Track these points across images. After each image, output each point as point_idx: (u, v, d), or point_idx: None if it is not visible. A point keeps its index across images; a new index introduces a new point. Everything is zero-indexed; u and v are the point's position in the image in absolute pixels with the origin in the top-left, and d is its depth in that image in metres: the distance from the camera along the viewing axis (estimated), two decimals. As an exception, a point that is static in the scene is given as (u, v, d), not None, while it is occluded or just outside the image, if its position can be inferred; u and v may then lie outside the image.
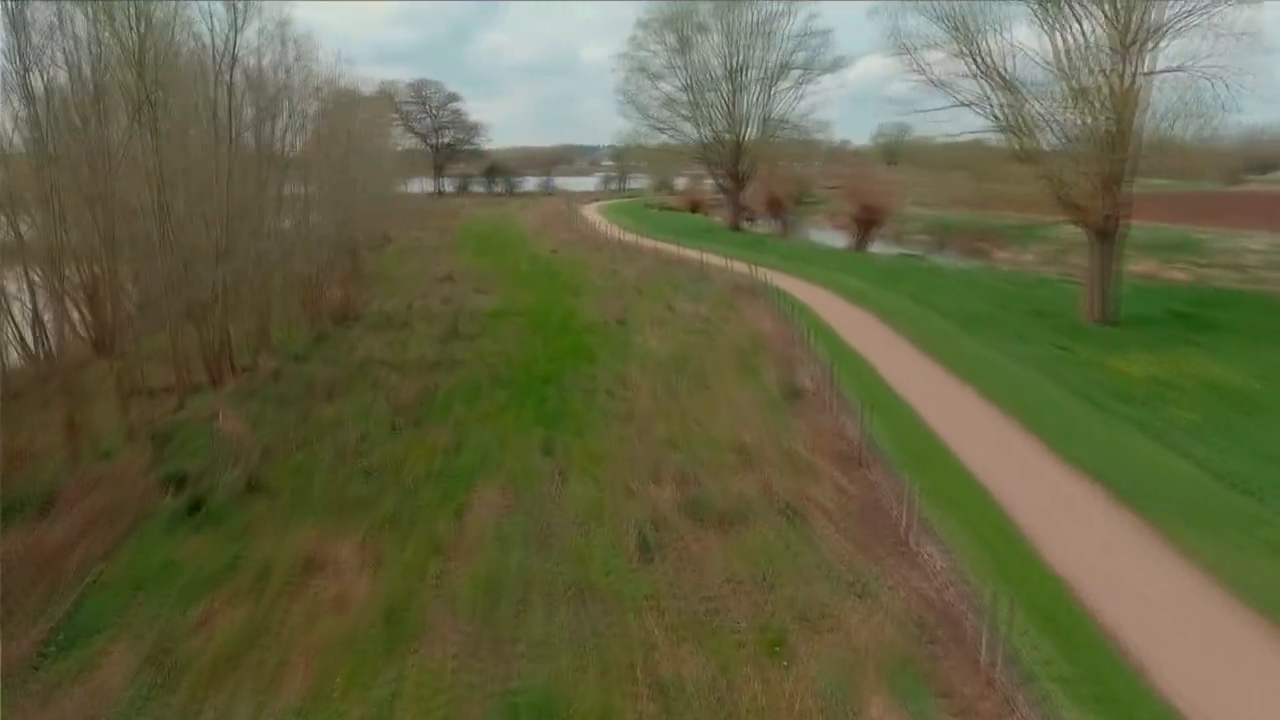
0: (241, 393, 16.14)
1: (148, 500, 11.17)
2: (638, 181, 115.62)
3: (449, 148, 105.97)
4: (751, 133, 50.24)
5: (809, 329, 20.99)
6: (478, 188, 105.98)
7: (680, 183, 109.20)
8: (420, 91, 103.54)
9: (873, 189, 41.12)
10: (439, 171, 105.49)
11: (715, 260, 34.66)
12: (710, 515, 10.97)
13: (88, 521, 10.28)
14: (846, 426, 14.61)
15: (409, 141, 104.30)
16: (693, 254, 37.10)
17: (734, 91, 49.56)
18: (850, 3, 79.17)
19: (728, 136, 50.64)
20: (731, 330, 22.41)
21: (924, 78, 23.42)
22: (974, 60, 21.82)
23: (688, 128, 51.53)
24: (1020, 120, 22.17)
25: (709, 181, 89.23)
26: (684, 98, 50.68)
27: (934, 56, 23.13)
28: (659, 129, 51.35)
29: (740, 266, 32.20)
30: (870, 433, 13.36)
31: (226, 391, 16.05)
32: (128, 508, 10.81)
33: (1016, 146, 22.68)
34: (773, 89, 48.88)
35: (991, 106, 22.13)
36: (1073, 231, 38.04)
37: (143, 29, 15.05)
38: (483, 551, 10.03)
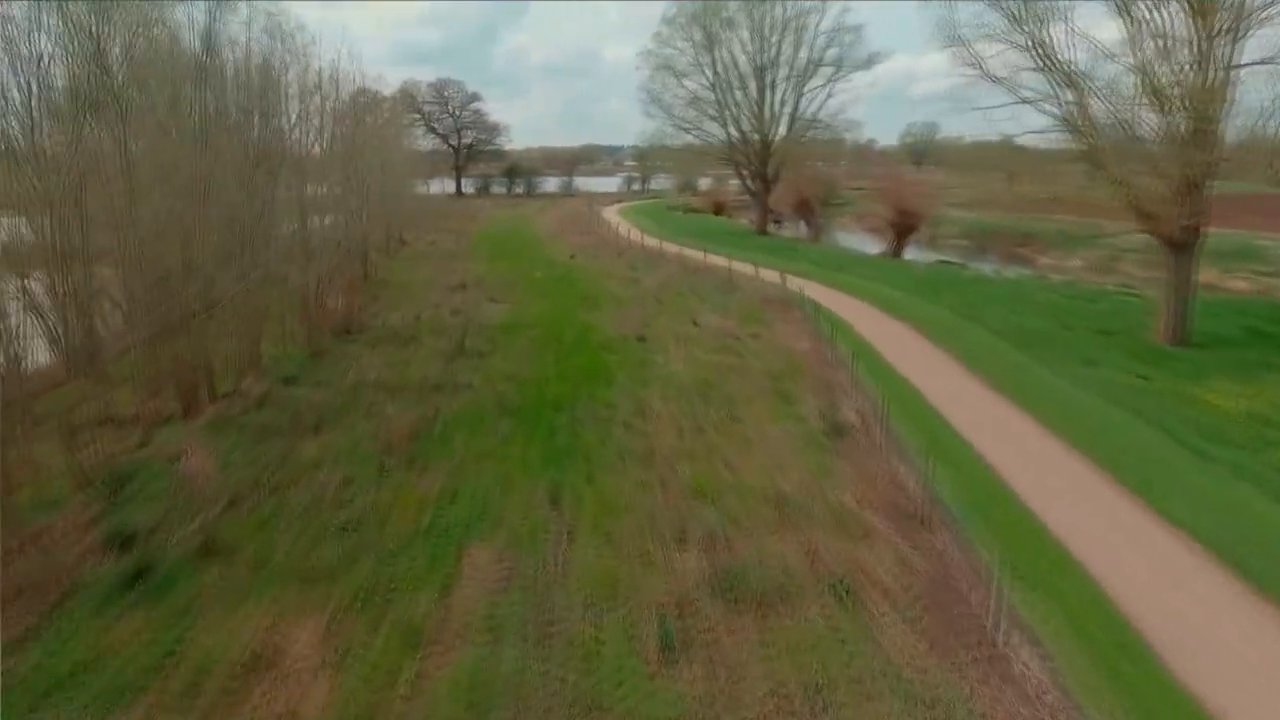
0: (218, 423, 14.52)
1: (85, 566, 9.53)
2: (660, 182, 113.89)
3: (470, 148, 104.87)
4: (780, 132, 48.17)
5: (850, 348, 19.01)
6: (498, 188, 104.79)
7: (703, 183, 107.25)
8: (441, 91, 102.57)
9: (908, 191, 38.84)
10: (459, 172, 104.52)
11: (743, 267, 32.71)
12: (746, 594, 9.09)
13: (6, 598, 8.64)
14: (900, 473, 12.63)
15: (430, 142, 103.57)
16: (719, 260, 35.18)
17: (762, 90, 47.48)
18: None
19: (755, 136, 48.57)
20: (763, 349, 20.47)
21: (978, 72, 21.28)
22: (1037, 52, 19.65)
23: (714, 127, 49.59)
24: (1087, 119, 19.95)
25: (733, 182, 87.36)
26: (710, 96, 48.72)
27: (990, 49, 21.01)
28: (684, 129, 49.45)
29: (770, 275, 30.22)
30: (932, 484, 11.37)
31: (200, 422, 14.44)
32: (59, 577, 9.17)
33: (1083, 147, 20.44)
34: (803, 87, 46.76)
35: (1058, 103, 19.93)
36: (1129, 238, 35.42)
37: (103, 24, 13.52)
38: (469, 644, 8.23)
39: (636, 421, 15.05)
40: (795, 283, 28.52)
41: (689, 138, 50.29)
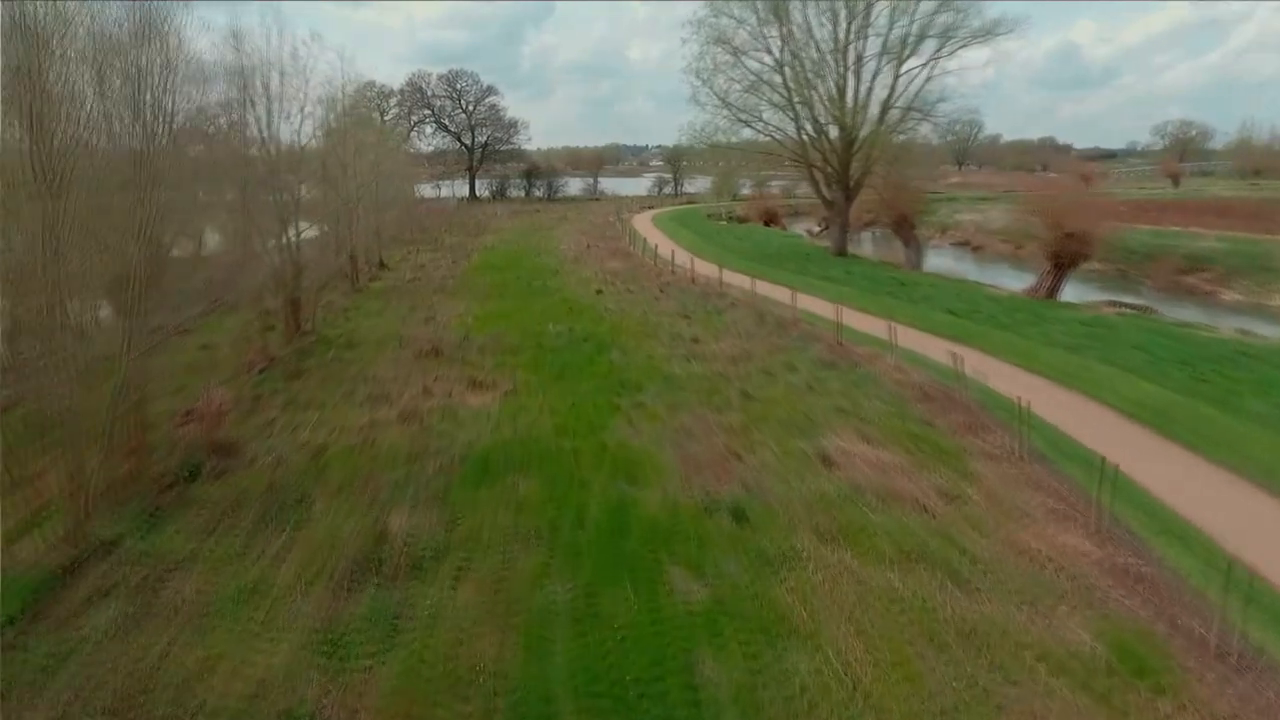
0: None
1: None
2: (695, 185, 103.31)
3: (485, 147, 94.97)
4: (867, 125, 37.26)
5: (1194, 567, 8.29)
6: (516, 191, 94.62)
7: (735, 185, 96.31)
8: (453, 84, 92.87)
9: (1075, 204, 27.76)
10: (473, 174, 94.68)
11: (854, 318, 22.07)
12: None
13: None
14: None
15: (441, 140, 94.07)
16: (813, 304, 24.57)
17: (844, 70, 36.65)
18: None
19: (834, 131, 37.77)
20: (1005, 565, 9.79)
21: None
22: None
23: (779, 119, 38.82)
24: None
25: (776, 183, 76.22)
26: (776, 79, 37.97)
27: None
28: (742, 121, 38.70)
29: (905, 335, 19.55)
30: None
31: None
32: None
33: None
34: (901, 66, 35.83)
35: None
36: None
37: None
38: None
39: None
40: (943, 346, 17.84)
41: (749, 133, 39.49)
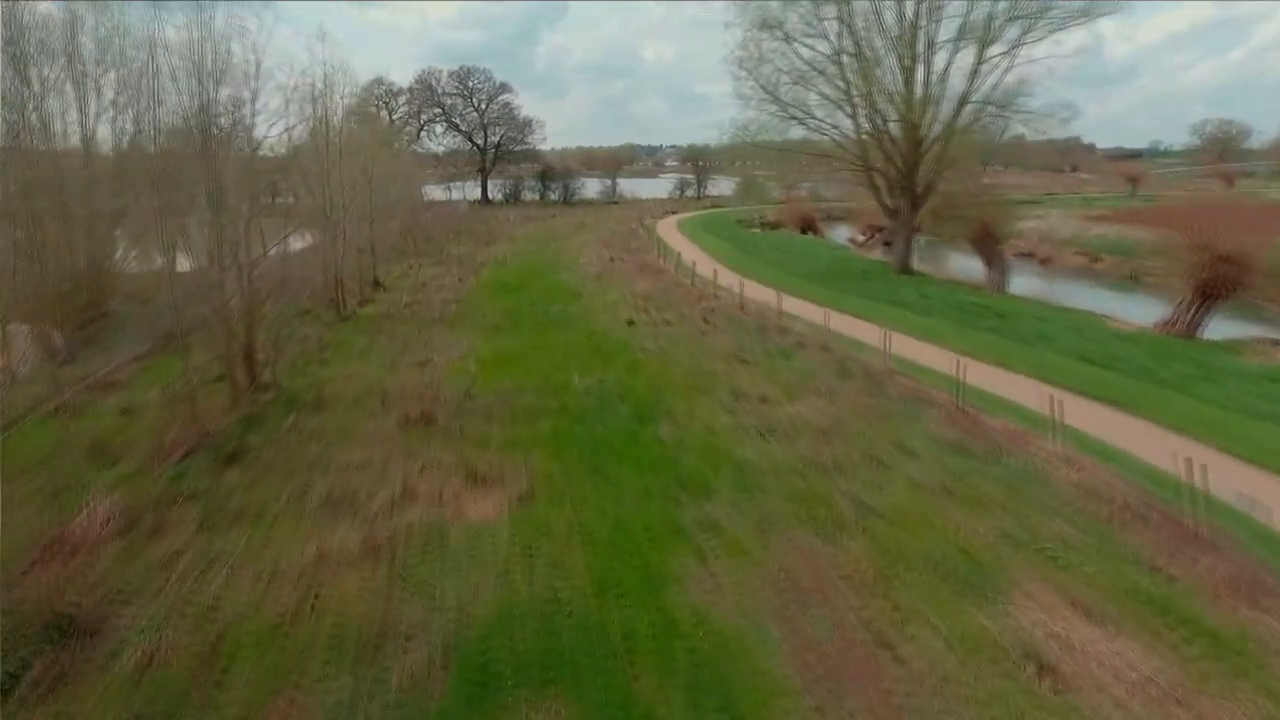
0: None
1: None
2: (715, 186, 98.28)
3: (498, 147, 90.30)
4: (938, 122, 32.12)
5: None
6: (530, 194, 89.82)
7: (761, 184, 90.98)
8: (465, 81, 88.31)
9: (1229, 220, 22.34)
10: (485, 175, 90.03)
11: (947, 359, 16.97)
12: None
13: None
14: None
15: (451, 139, 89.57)
16: (898, 341, 19.52)
17: (914, 59, 31.53)
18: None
19: (899, 128, 32.65)
20: None
21: None
22: None
23: (832, 116, 33.72)
24: None
25: (804, 186, 70.80)
26: (832, 69, 32.90)
27: None
28: (794, 118, 33.60)
29: (1038, 394, 14.45)
30: None
31: None
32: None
33: None
34: (984, 52, 30.62)
35: None
36: None
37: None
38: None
39: None
40: (1088, 412, 12.81)
41: (798, 131, 34.33)
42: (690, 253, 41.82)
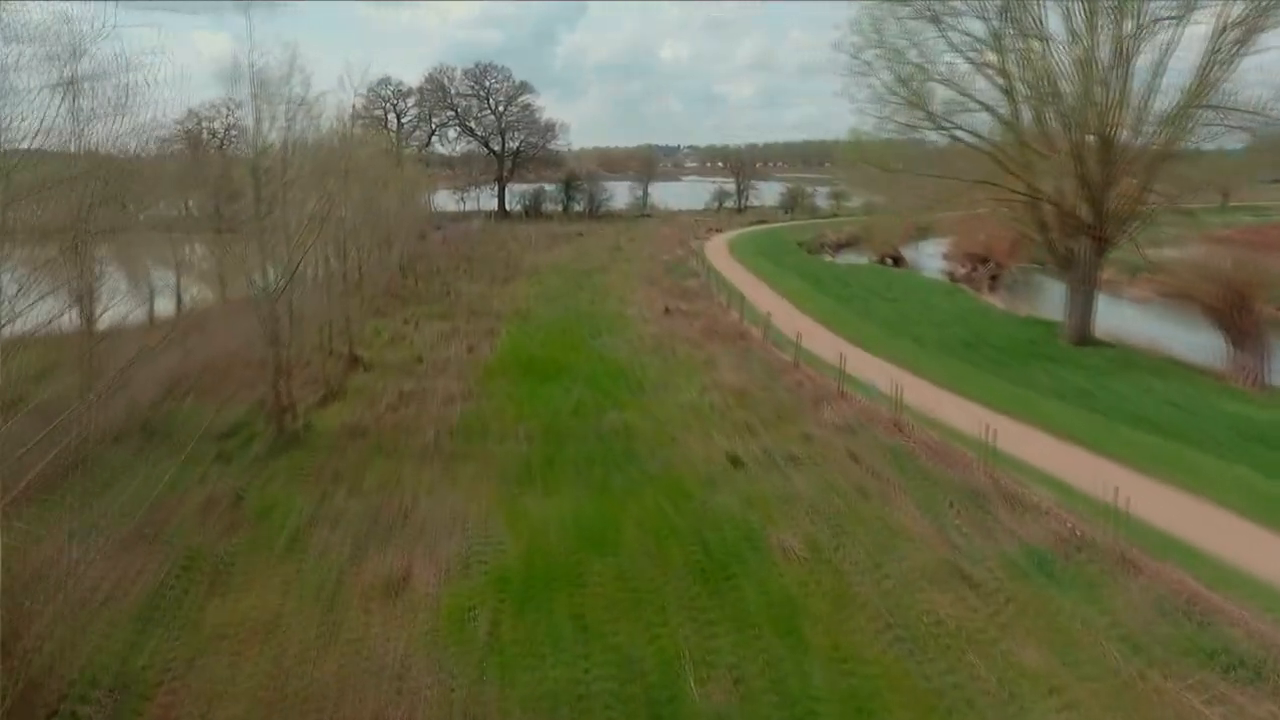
0: None
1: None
2: (759, 194, 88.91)
3: (517, 153, 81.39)
4: (1144, 129, 22.68)
5: None
6: (551, 204, 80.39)
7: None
8: (481, 81, 79.41)
9: None
10: (503, 185, 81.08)
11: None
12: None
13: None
14: None
15: (465, 144, 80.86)
16: (1244, 532, 10.15)
17: (1119, 45, 22.09)
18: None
19: (1085, 136, 23.23)
20: None
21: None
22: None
23: (983, 117, 24.36)
24: None
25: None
26: (987, 55, 23.56)
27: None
28: (943, 128, 24.27)
29: None
30: None
31: None
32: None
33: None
34: (1221, 37, 21.08)
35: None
36: None
37: None
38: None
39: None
40: None
41: (946, 135, 24.89)
42: (762, 296, 32.66)
